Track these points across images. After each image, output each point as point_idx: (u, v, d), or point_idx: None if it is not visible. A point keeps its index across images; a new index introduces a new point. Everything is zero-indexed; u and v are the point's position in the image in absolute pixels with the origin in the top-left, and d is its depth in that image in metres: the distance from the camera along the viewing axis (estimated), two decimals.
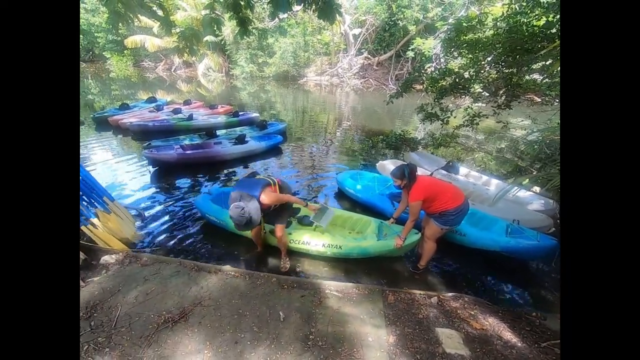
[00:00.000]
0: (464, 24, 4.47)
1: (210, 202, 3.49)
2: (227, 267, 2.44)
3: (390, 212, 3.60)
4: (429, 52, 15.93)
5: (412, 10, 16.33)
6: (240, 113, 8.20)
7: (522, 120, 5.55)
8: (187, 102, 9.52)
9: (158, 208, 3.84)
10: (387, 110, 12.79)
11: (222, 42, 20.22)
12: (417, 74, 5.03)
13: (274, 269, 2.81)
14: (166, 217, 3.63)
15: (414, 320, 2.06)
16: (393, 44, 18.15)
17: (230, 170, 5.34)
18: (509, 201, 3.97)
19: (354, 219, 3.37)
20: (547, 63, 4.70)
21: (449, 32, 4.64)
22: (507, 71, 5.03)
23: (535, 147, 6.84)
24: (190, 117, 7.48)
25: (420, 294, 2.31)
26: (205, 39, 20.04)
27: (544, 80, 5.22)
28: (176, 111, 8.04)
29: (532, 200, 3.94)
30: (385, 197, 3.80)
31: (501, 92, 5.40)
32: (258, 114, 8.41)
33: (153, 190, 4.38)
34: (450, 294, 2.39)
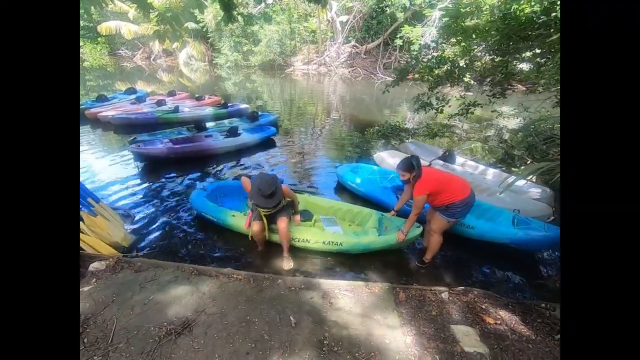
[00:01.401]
0: (462, 10, 4.34)
1: (205, 199, 3.32)
2: (229, 270, 2.30)
3: (393, 204, 3.54)
4: (417, 40, 15.83)
5: None
6: (229, 104, 7.88)
7: (514, 109, 5.54)
8: (171, 93, 9.05)
9: (149, 207, 3.61)
10: (375, 99, 12.68)
11: (204, 29, 19.35)
12: (414, 61, 4.90)
13: (277, 269, 2.69)
14: (159, 217, 3.42)
15: (428, 318, 2.01)
16: (381, 32, 17.86)
17: (224, 164, 5.11)
18: (508, 190, 3.99)
19: (355, 211, 3.30)
20: (538, 52, 4.70)
21: (445, 17, 4.51)
22: (500, 59, 5.00)
23: (519, 134, 6.98)
24: (176, 109, 7.11)
25: (431, 289, 2.26)
26: (185, 25, 19.16)
27: (533, 69, 5.21)
28: (160, 103, 7.63)
29: (529, 189, 3.96)
30: (389, 190, 3.72)
31: (496, 80, 5.38)
32: (248, 106, 8.11)
33: (143, 187, 4.12)
34: (459, 288, 2.36)
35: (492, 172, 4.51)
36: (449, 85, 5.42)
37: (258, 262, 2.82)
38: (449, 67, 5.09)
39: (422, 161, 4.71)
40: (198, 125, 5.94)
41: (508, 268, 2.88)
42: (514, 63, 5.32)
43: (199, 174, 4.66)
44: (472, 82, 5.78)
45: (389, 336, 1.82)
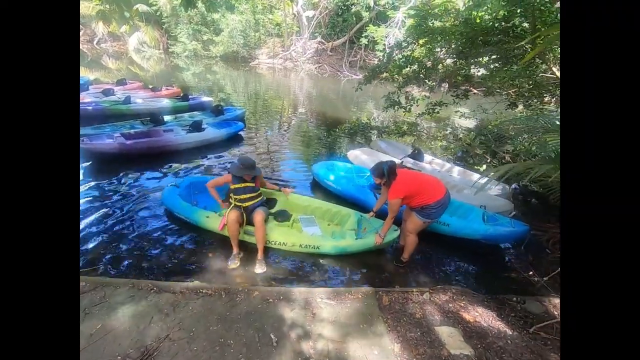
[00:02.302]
0: (430, 11, 4.43)
1: (178, 196, 3.03)
2: (197, 284, 2.04)
3: (371, 203, 3.49)
4: (381, 40, 16.22)
5: None
6: (191, 97, 7.26)
7: (472, 110, 5.90)
8: (121, 82, 8.11)
9: (96, 212, 3.12)
10: (342, 96, 12.75)
11: (158, 13, 17.74)
12: (386, 59, 4.91)
13: (252, 278, 2.47)
14: (108, 223, 2.96)
15: (413, 321, 1.97)
16: (346, 30, 17.98)
17: (186, 162, 4.64)
18: (472, 187, 4.18)
19: (333, 211, 3.19)
20: (494, 57, 5.00)
21: (414, 17, 4.57)
22: (462, 62, 5.24)
23: (472, 134, 7.49)
24: (127, 100, 6.35)
25: (412, 291, 2.23)
26: (135, 7, 17.40)
27: (491, 74, 5.52)
28: (107, 92, 6.76)
29: (490, 185, 4.19)
30: (365, 188, 3.66)
31: (457, 82, 5.63)
32: (211, 99, 7.55)
33: (87, 190, 3.56)
34: (438, 287, 2.36)
35: (457, 170, 4.71)
36: (415, 85, 5.56)
37: (230, 270, 2.56)
38: (416, 68, 5.22)
39: (393, 159, 4.82)
40: (154, 118, 5.35)
41: (480, 263, 2.99)
42: (472, 67, 5.63)
43: (157, 173, 4.17)
44: (434, 83, 6.01)
45: (377, 346, 1.73)
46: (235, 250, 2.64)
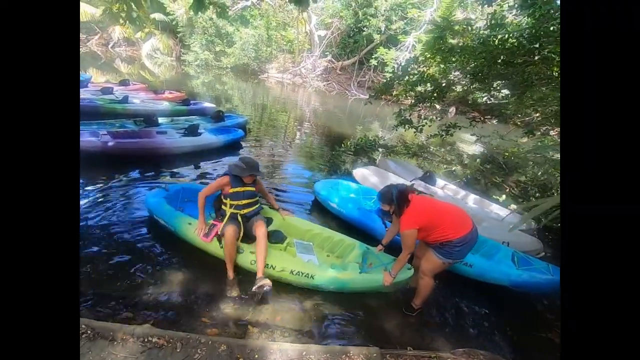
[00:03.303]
0: (454, 27, 4.14)
1: (164, 199, 2.72)
2: (146, 329, 1.53)
3: (379, 232, 3.01)
4: (391, 62, 16.29)
5: (377, 19, 16.47)
6: (192, 102, 6.97)
7: (482, 136, 5.48)
8: (123, 83, 7.89)
9: None
10: (348, 115, 12.57)
11: (174, 23, 18.08)
12: (401, 73, 4.58)
13: (232, 314, 1.97)
14: None
15: None
16: (357, 51, 18.16)
17: (177, 167, 4.23)
18: (492, 219, 3.70)
19: (335, 239, 2.71)
20: (514, 81, 4.68)
21: (429, 32, 4.29)
22: (478, 85, 4.92)
23: (478, 160, 7.11)
24: (124, 99, 6.06)
25: (431, 356, 1.71)
26: (152, 16, 17.76)
27: (511, 99, 5.19)
28: (105, 91, 6.48)
29: (511, 219, 3.71)
30: (372, 213, 3.20)
31: (473, 104, 5.29)
32: (214, 105, 7.26)
33: None
34: (461, 351, 1.84)
35: (473, 198, 4.25)
36: (427, 105, 5.22)
37: (201, 303, 2.06)
38: (429, 87, 4.90)
39: (405, 182, 4.38)
40: (148, 119, 5.00)
41: (509, 318, 2.43)
42: (491, 90, 5.29)
43: (143, 179, 3.74)
44: (446, 106, 5.70)
45: None
46: (231, 275, 2.22)
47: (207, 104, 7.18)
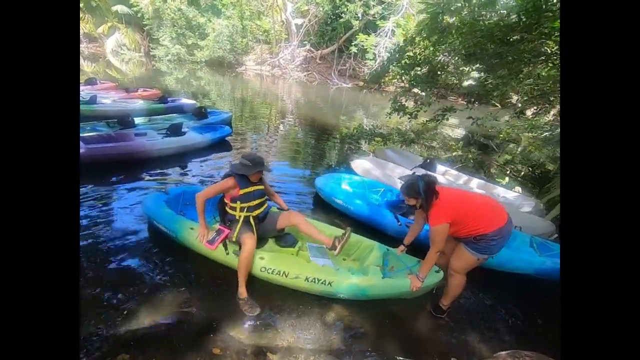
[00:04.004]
0: (449, 5, 3.93)
1: (164, 203, 2.53)
2: None
3: (390, 228, 2.82)
4: (371, 48, 16.06)
5: (355, 5, 16.10)
6: (169, 99, 6.45)
7: (466, 119, 5.41)
8: (90, 82, 7.21)
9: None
10: (330, 104, 12.32)
11: (140, 15, 16.85)
12: (398, 54, 4.35)
13: (246, 340, 1.72)
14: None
15: None
16: (335, 38, 17.76)
17: (163, 170, 3.85)
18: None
19: (351, 241, 2.48)
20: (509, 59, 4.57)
21: (429, 10, 4.06)
22: (472, 67, 4.80)
23: (461, 142, 7.14)
24: (92, 100, 5.49)
25: None
26: (114, 8, 16.44)
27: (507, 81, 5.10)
28: None
29: (519, 202, 3.66)
30: (382, 208, 3.00)
31: (469, 90, 5.17)
32: (195, 102, 6.76)
33: None
34: (505, 354, 1.69)
35: (476, 182, 4.17)
36: (423, 89, 5.05)
37: (209, 330, 1.80)
38: (425, 70, 4.72)
39: (406, 171, 4.21)
40: (122, 120, 4.52)
41: (533, 310, 2.28)
42: (481, 73, 5.18)
43: (122, 189, 3.35)
44: (442, 89, 5.57)
45: None
46: (243, 293, 2.00)
47: (186, 101, 6.69)
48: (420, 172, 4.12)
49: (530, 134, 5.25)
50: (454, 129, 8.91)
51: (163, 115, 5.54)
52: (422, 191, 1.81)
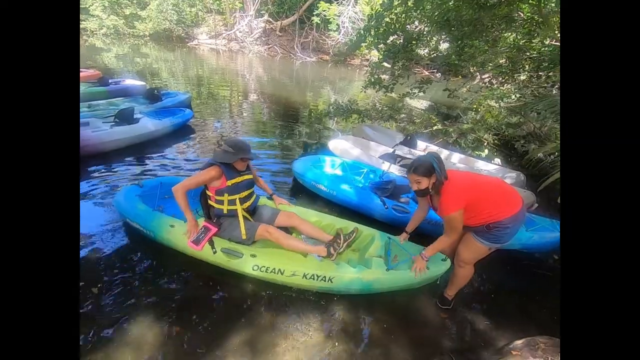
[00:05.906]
0: None
1: (138, 198, 2.23)
2: None
3: (378, 212, 2.65)
4: (334, 19, 15.28)
5: None
6: (111, 80, 5.49)
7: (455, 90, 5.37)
8: None
9: None
10: (295, 81, 11.69)
11: None
12: (375, 22, 4.00)
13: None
14: None
15: None
16: (296, 8, 16.58)
17: (112, 166, 3.25)
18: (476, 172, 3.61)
19: (350, 230, 2.26)
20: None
21: None
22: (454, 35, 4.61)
23: (425, 114, 7.23)
24: None
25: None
26: None
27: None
28: None
29: (501, 174, 3.70)
30: (367, 191, 2.80)
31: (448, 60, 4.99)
32: (144, 83, 5.84)
33: None
34: (519, 343, 1.63)
35: (457, 157, 4.16)
36: (397, 60, 4.80)
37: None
38: (401, 40, 4.45)
39: (386, 148, 4.04)
40: None
41: (519, 288, 2.25)
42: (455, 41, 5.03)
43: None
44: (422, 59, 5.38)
45: None
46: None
47: (132, 82, 5.76)
48: (403, 149, 4.05)
49: (495, 103, 5.28)
50: (421, 101, 8.89)
51: (106, 100, 4.69)
52: (437, 167, 1.61)
